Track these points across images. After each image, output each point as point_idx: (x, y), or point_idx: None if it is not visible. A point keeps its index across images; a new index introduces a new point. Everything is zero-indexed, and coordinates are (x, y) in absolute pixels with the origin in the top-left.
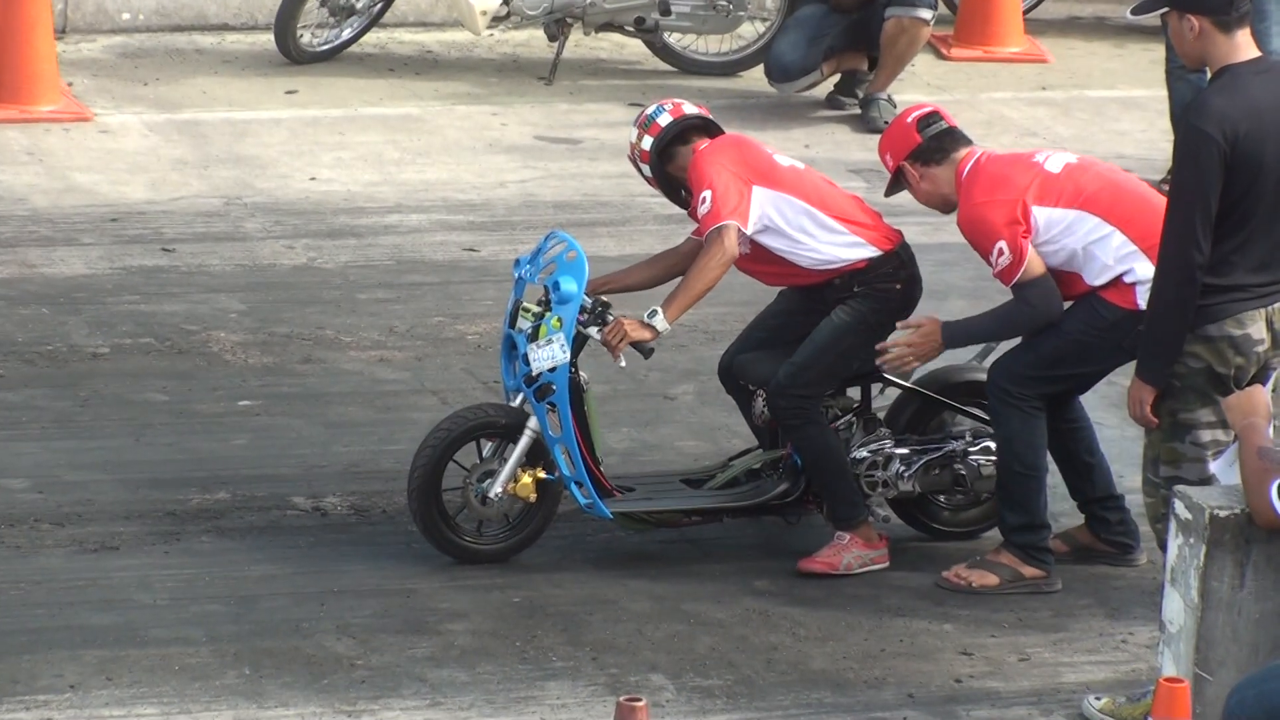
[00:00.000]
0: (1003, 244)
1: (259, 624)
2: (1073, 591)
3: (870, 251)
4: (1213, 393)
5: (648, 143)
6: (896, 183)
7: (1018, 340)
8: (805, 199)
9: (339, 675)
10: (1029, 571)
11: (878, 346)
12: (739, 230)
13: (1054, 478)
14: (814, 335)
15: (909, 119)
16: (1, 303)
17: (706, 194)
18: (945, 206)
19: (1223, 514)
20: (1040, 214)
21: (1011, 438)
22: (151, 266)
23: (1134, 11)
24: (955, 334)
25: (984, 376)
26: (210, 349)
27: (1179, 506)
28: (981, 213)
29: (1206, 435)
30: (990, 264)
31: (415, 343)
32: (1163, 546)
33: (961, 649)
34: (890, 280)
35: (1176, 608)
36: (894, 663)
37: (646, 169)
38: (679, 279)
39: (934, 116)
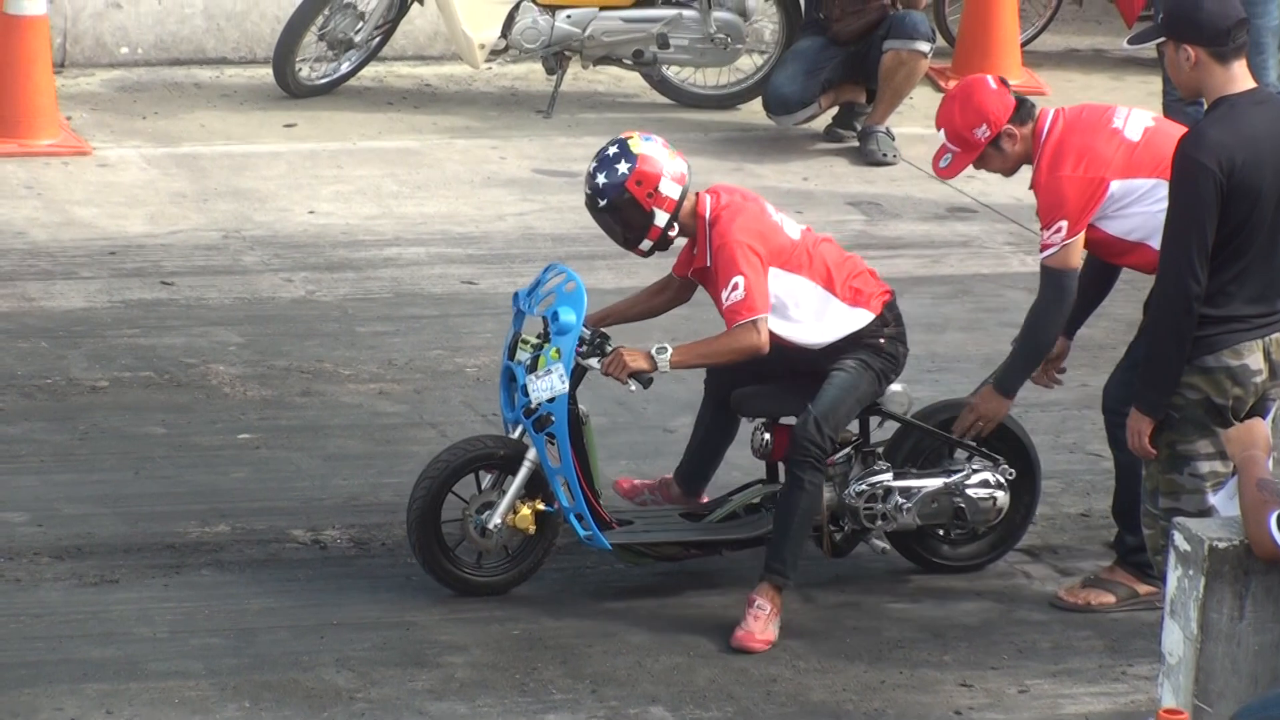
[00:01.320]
0: (1064, 224)
1: (259, 657)
2: (1072, 623)
3: (865, 319)
4: (1211, 424)
5: (676, 192)
6: (978, 159)
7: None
8: (814, 278)
9: (339, 708)
10: (1144, 589)
11: (954, 426)
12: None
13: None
14: (828, 386)
15: (993, 85)
16: (1, 336)
17: (739, 280)
18: (1020, 166)
19: (1222, 545)
20: (1118, 186)
21: (1135, 462)
22: (150, 300)
23: (1131, 41)
24: (1007, 383)
25: None
26: (209, 382)
27: (1178, 538)
28: (1063, 187)
29: (1205, 466)
30: (1042, 230)
31: (414, 375)
32: (1162, 578)
33: (961, 681)
34: (874, 336)
35: (1176, 639)
36: (894, 694)
37: (664, 216)
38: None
39: (1003, 78)
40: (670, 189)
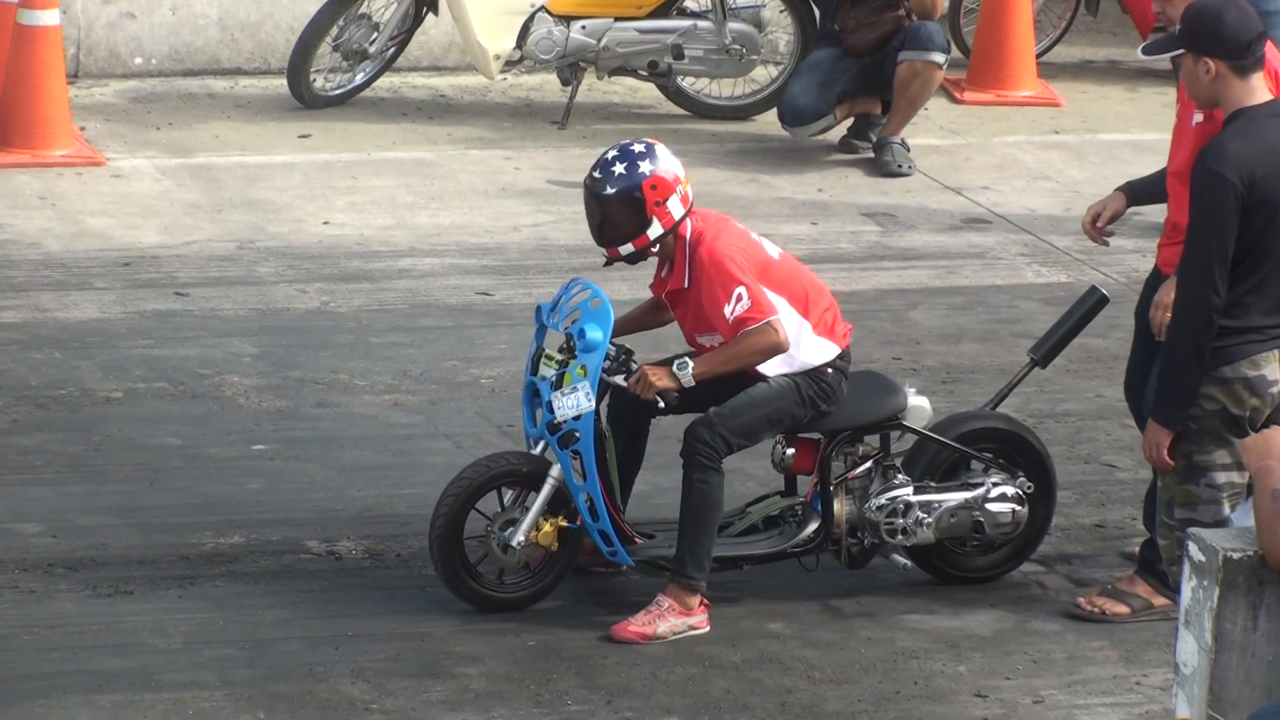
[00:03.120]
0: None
1: (273, 668)
2: (1086, 634)
3: (831, 352)
4: (1228, 435)
5: (679, 213)
6: None
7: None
8: (793, 301)
9: (353, 719)
10: (1160, 601)
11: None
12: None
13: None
14: (749, 390)
15: None
16: (15, 347)
17: (741, 290)
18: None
19: (1236, 556)
20: None
21: None
22: (165, 310)
23: (1146, 51)
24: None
25: (997, 424)
26: (224, 393)
27: (1192, 549)
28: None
29: (1222, 477)
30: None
31: (429, 386)
32: (1177, 589)
33: (976, 691)
34: (825, 365)
35: (1190, 650)
36: (908, 705)
37: (658, 230)
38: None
39: None
40: (676, 208)
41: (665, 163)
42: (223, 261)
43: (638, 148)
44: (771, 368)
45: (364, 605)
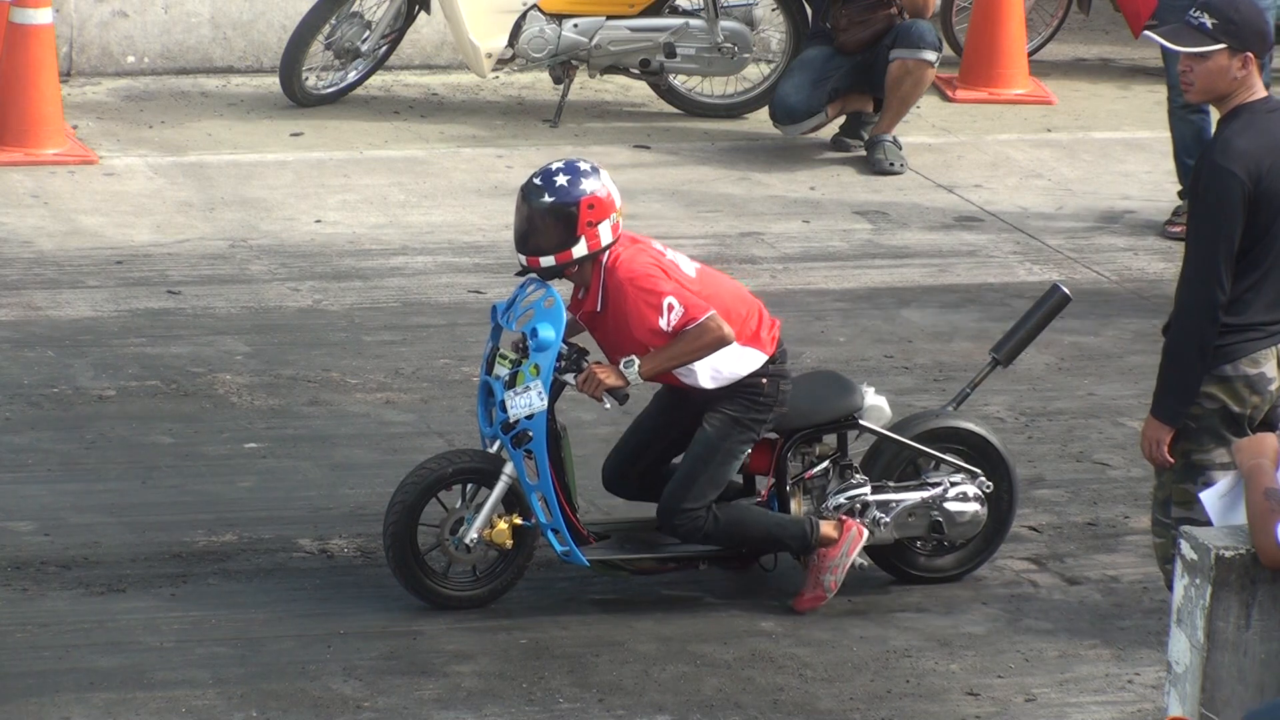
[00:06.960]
0: None
1: (266, 666)
2: (1079, 632)
3: (758, 361)
4: (1227, 433)
5: (607, 238)
6: None
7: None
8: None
9: (345, 717)
10: None
11: None
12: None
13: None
14: (691, 449)
15: None
16: (7, 345)
17: (670, 300)
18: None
19: (1228, 554)
20: None
21: None
22: (157, 309)
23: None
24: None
25: (957, 423)
26: (216, 391)
27: (1185, 547)
28: None
29: (1220, 476)
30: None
31: (421, 385)
32: (1170, 587)
33: (968, 689)
34: (758, 376)
35: (1182, 648)
36: (901, 704)
37: (582, 250)
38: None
39: None
40: (606, 234)
41: (607, 187)
42: (215, 260)
43: (584, 166)
44: (701, 381)
45: (356, 603)
